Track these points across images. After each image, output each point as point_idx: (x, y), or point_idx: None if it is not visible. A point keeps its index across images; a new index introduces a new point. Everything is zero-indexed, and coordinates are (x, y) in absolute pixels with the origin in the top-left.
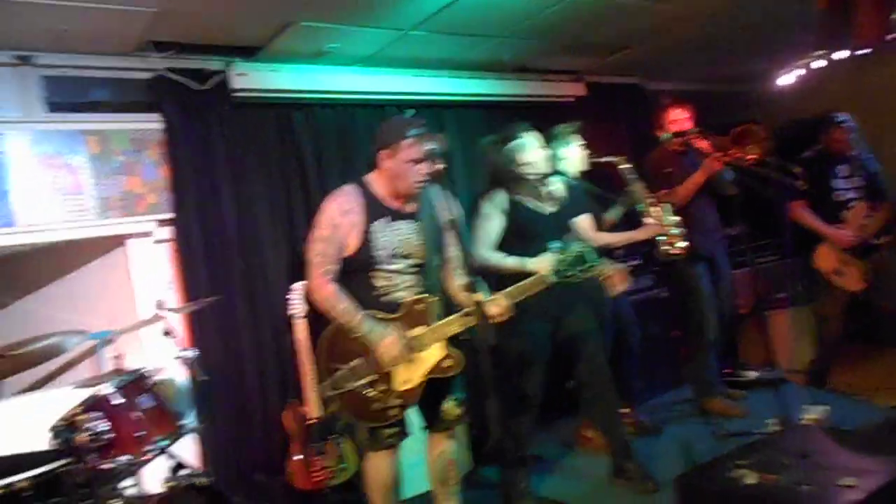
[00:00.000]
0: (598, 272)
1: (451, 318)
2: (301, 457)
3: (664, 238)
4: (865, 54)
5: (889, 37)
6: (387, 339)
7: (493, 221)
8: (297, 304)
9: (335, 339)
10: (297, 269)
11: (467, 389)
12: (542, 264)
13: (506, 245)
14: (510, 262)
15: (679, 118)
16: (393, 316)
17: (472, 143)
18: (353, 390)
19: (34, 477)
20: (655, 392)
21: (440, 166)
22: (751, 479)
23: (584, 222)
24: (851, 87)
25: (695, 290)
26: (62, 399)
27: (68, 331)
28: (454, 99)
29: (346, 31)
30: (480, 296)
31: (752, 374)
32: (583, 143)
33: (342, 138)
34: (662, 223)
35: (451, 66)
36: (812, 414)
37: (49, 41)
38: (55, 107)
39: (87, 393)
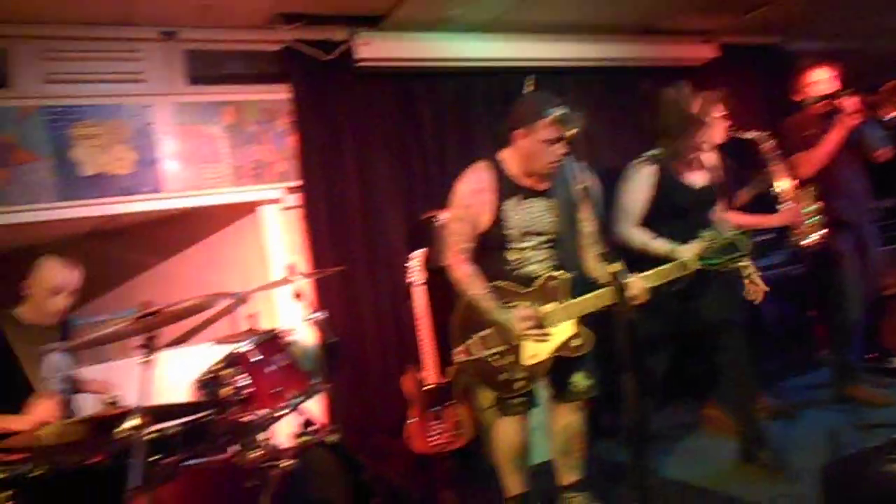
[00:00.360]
0: (745, 267)
1: (584, 297)
2: (419, 421)
3: (800, 227)
4: None
5: None
6: (513, 317)
7: (639, 194)
8: (415, 272)
9: (468, 315)
10: (416, 237)
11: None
12: (693, 252)
13: (652, 219)
14: (658, 245)
15: (821, 79)
16: (525, 290)
17: (592, 109)
18: (482, 358)
19: (183, 424)
20: (788, 375)
21: (570, 132)
22: None
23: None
24: None
25: (837, 267)
26: (203, 354)
27: (218, 293)
28: (576, 64)
29: None
30: (619, 267)
31: None
32: (724, 113)
33: (461, 107)
34: (801, 210)
35: (574, 30)
36: None
37: (192, 16)
38: (195, 80)
39: (225, 349)
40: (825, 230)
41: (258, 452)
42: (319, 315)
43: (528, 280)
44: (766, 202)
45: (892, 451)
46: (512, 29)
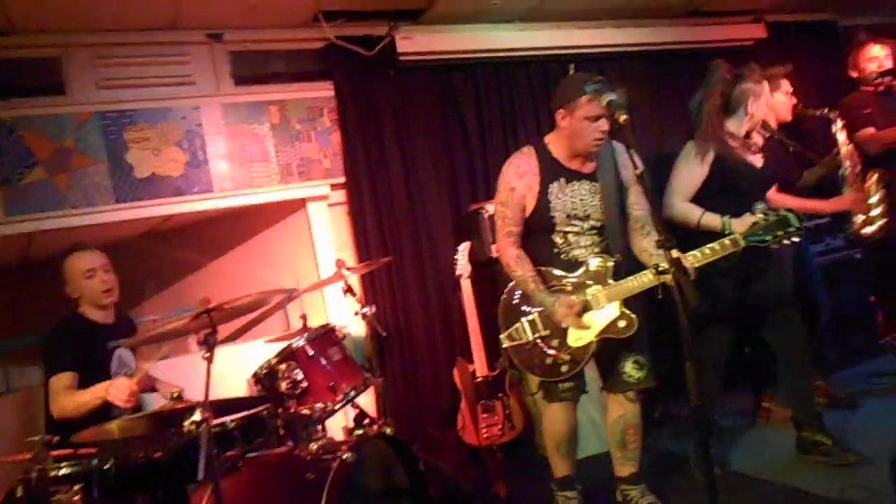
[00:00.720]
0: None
1: (627, 279)
2: (470, 413)
3: (861, 217)
4: None
5: None
6: (558, 306)
7: (695, 170)
8: (462, 265)
9: (512, 301)
10: (462, 230)
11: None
12: (744, 226)
13: (704, 198)
14: (708, 218)
15: (877, 55)
16: (570, 275)
17: (636, 95)
18: (527, 343)
19: (242, 418)
20: (849, 362)
21: (624, 117)
22: None
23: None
24: None
25: None
26: (256, 351)
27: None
28: (617, 50)
29: None
30: (677, 254)
31: None
32: (791, 89)
33: (503, 98)
34: (862, 199)
35: (615, 16)
36: None
37: (237, 17)
38: (241, 80)
39: (278, 346)
40: (885, 220)
41: (317, 444)
42: (369, 309)
43: (574, 264)
44: (834, 186)
45: None
46: (552, 18)
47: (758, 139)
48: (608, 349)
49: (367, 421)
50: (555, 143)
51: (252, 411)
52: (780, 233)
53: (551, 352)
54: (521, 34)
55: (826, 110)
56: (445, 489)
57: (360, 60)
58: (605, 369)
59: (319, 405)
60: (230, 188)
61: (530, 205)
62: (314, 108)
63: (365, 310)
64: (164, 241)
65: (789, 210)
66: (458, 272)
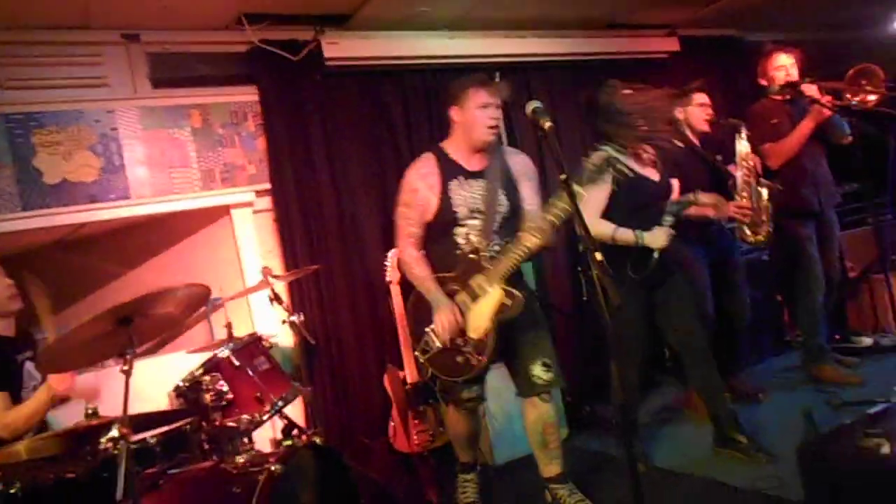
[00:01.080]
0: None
1: (498, 259)
2: (401, 420)
3: (748, 224)
4: None
5: None
6: (439, 313)
7: (599, 187)
8: (392, 271)
9: (418, 305)
10: (392, 236)
11: (563, 355)
12: (658, 238)
13: (613, 214)
14: (620, 233)
15: (784, 64)
16: (451, 275)
17: (559, 104)
18: (440, 350)
19: (164, 433)
20: (759, 358)
21: (549, 124)
22: (886, 448)
23: (673, 185)
24: None
25: (802, 252)
26: (179, 363)
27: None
28: (542, 60)
29: None
30: (600, 257)
31: (867, 341)
32: (706, 101)
33: (431, 104)
34: (749, 208)
35: (539, 26)
36: None
37: (153, 18)
38: (159, 83)
39: (201, 357)
40: (768, 230)
41: (244, 457)
42: (296, 317)
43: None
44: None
45: (866, 427)
46: (479, 26)
47: (651, 151)
48: (517, 355)
49: (295, 431)
50: (451, 146)
51: (174, 426)
52: (613, 163)
53: (458, 349)
54: (450, 42)
55: (735, 120)
56: (377, 498)
57: (286, 65)
58: (516, 374)
59: (246, 417)
60: (149, 195)
61: (434, 204)
62: (238, 112)
63: (293, 318)
64: (79, 250)
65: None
66: (387, 278)
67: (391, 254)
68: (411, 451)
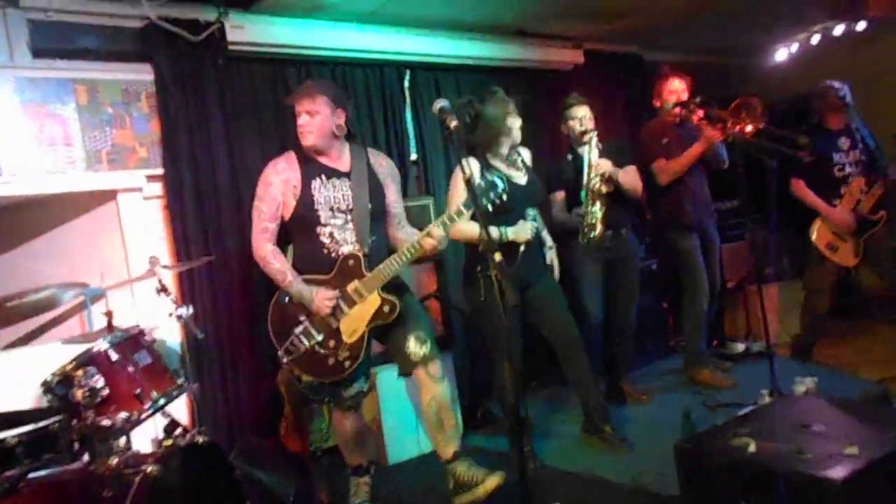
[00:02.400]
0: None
1: (377, 268)
2: (294, 418)
3: (584, 226)
4: (861, 32)
5: None
6: (319, 294)
7: (459, 192)
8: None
9: (282, 305)
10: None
11: (464, 355)
12: (521, 232)
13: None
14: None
15: (677, 89)
16: (325, 278)
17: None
18: (306, 351)
19: (28, 433)
20: (644, 361)
21: (454, 123)
22: (752, 447)
23: (559, 196)
24: (846, 64)
25: (688, 262)
26: (50, 355)
27: (66, 283)
28: (452, 61)
29: None
30: (499, 258)
31: (740, 347)
32: (585, 115)
33: None
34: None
35: (451, 27)
36: (802, 385)
37: None
38: (41, 53)
39: (77, 349)
40: (602, 232)
41: (118, 459)
42: (184, 310)
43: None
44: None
45: (736, 427)
46: (391, 22)
47: (526, 158)
48: (390, 335)
49: (178, 430)
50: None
51: (39, 424)
52: (491, 194)
53: (329, 352)
54: (360, 35)
55: (587, 134)
56: (265, 499)
57: (186, 45)
58: (395, 354)
59: (122, 415)
60: (24, 174)
61: (291, 201)
62: (130, 91)
63: (180, 311)
64: None
65: (496, 173)
66: None
67: (291, 247)
68: (303, 451)
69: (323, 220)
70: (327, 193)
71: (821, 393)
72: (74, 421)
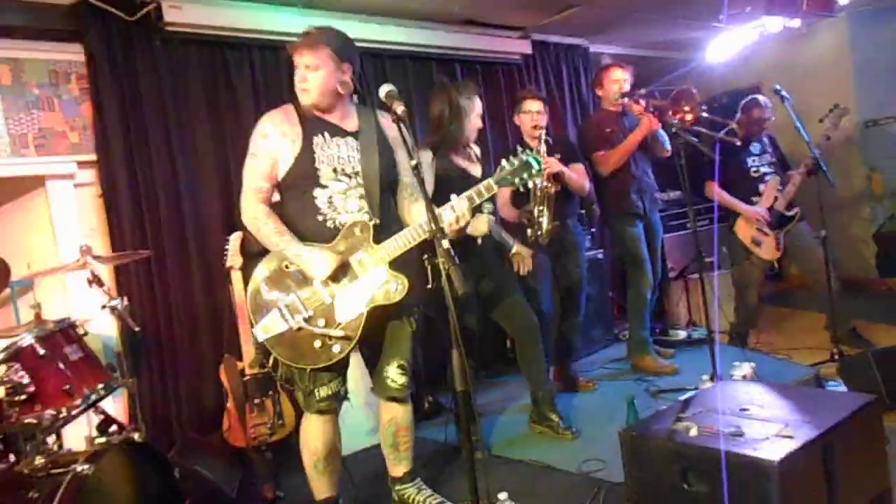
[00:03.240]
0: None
1: (390, 240)
2: (237, 413)
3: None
4: (796, 29)
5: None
6: (313, 260)
7: (427, 178)
8: (234, 255)
9: (266, 279)
10: (234, 218)
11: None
12: (478, 225)
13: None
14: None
15: (619, 78)
16: (324, 245)
17: (415, 94)
18: (289, 330)
19: None
20: (591, 350)
21: (401, 108)
22: (694, 431)
23: (505, 190)
24: (783, 58)
25: (631, 251)
26: None
27: None
28: (400, 49)
29: None
30: (447, 244)
31: (682, 334)
32: (535, 110)
33: (283, 83)
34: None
35: (399, 14)
36: (741, 371)
37: None
38: None
39: (2, 343)
40: (549, 232)
41: (45, 458)
42: (119, 302)
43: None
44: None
45: (678, 412)
46: (335, 7)
47: (476, 150)
48: (375, 352)
49: (113, 428)
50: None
51: None
52: (525, 175)
53: (318, 332)
54: (303, 20)
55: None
56: (206, 496)
57: (120, 25)
58: (373, 369)
59: (50, 412)
60: None
61: (289, 157)
62: (59, 72)
63: (114, 302)
64: None
65: (530, 154)
66: (228, 263)
67: (233, 237)
68: (247, 446)
69: (323, 181)
70: (331, 152)
71: (758, 378)
72: None
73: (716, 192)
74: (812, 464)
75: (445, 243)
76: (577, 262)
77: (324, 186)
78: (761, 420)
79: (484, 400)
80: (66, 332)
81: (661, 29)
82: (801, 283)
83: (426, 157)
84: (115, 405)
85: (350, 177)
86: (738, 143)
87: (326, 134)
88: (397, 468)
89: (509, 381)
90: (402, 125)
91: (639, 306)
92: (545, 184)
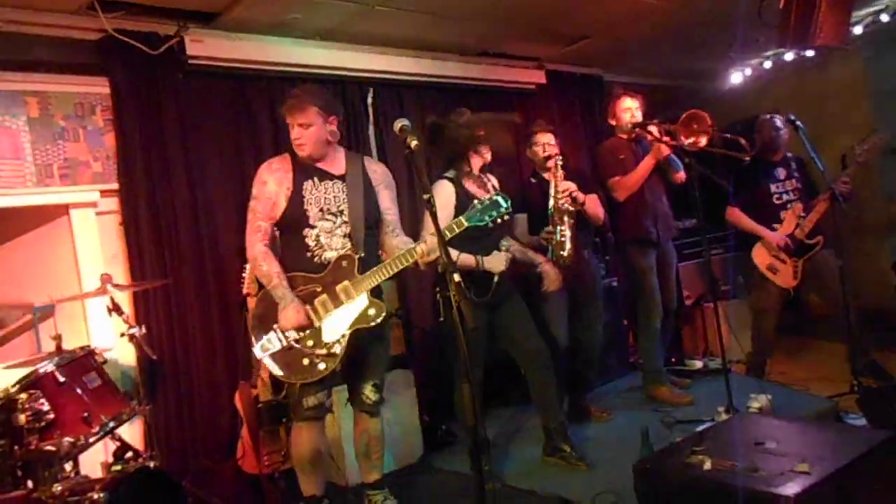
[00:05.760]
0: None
1: (371, 270)
2: (251, 440)
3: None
4: (810, 58)
5: (848, 40)
6: (287, 309)
7: (442, 210)
8: (249, 283)
9: (265, 301)
10: None
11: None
12: (496, 263)
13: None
14: (464, 258)
15: (630, 107)
16: (316, 276)
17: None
18: (283, 348)
19: None
20: (606, 379)
21: (415, 143)
22: (708, 464)
23: (521, 218)
24: (796, 88)
25: (642, 281)
26: None
27: (12, 303)
28: (415, 79)
29: (311, 1)
30: (458, 278)
31: (698, 364)
32: (548, 142)
33: None
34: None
35: (415, 46)
36: (757, 402)
37: None
38: None
39: (22, 372)
40: (571, 252)
41: (62, 485)
42: (137, 330)
43: (325, 267)
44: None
45: (693, 445)
46: (353, 39)
47: (493, 180)
48: (355, 368)
49: (129, 455)
50: None
51: None
52: (494, 212)
53: (307, 351)
54: (321, 52)
55: (551, 159)
56: None
57: (144, 59)
58: (350, 386)
59: (68, 440)
60: None
61: (283, 201)
62: (85, 104)
63: (133, 331)
64: None
65: (498, 193)
66: (244, 291)
67: (249, 265)
68: (261, 473)
69: (311, 221)
70: (318, 194)
71: (775, 410)
72: (16, 446)
73: (735, 216)
74: (828, 500)
75: (457, 277)
76: (595, 294)
77: (312, 226)
78: (777, 455)
79: (498, 429)
80: (86, 359)
81: (674, 59)
82: (820, 313)
83: (446, 188)
84: (132, 430)
85: (336, 215)
86: (747, 159)
87: (316, 178)
88: (370, 475)
89: (525, 410)
90: (413, 159)
91: (649, 337)
92: (566, 205)
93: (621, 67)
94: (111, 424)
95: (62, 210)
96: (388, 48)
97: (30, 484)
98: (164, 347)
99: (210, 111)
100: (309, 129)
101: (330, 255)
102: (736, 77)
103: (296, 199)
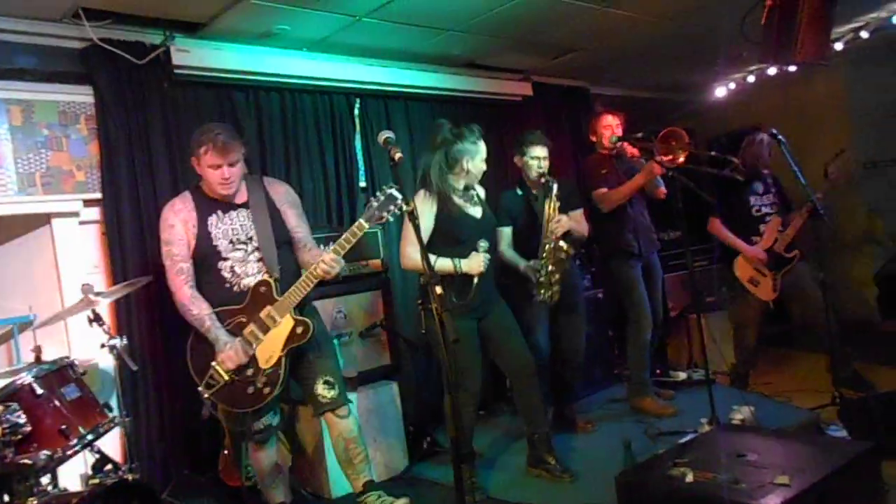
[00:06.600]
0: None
1: (288, 291)
2: (232, 452)
3: (539, 283)
4: (793, 73)
5: (829, 56)
6: (223, 353)
7: (423, 221)
8: None
9: (200, 339)
10: None
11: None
12: (473, 265)
13: (433, 246)
14: (441, 263)
15: (611, 124)
16: (238, 307)
17: (418, 135)
18: (226, 383)
19: None
20: (590, 390)
21: (399, 155)
22: (690, 477)
23: (505, 231)
24: (779, 102)
25: (632, 292)
26: None
27: None
28: (402, 91)
29: (298, 12)
30: (440, 290)
31: (682, 375)
32: (541, 155)
33: (287, 124)
34: (538, 270)
35: (401, 58)
36: (740, 414)
37: None
38: None
39: (1, 383)
40: (558, 293)
41: (38, 499)
42: (118, 341)
43: (246, 293)
44: None
45: (675, 457)
46: (340, 51)
47: (480, 192)
48: (301, 378)
49: (108, 467)
50: (205, 184)
51: None
52: (392, 207)
53: (250, 379)
54: (309, 63)
55: (549, 178)
56: None
57: (129, 67)
58: (306, 396)
59: (45, 453)
60: None
61: (192, 241)
62: (68, 113)
63: (114, 342)
64: None
65: (393, 187)
66: None
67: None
68: (242, 485)
69: (223, 254)
70: (224, 227)
71: (757, 421)
72: None
73: (717, 227)
74: None
75: (439, 289)
76: (578, 305)
77: (225, 259)
78: (758, 467)
79: (484, 439)
80: (65, 371)
81: (659, 73)
82: (802, 325)
83: (419, 195)
84: (112, 441)
85: (246, 243)
86: (741, 179)
87: (220, 212)
88: (357, 481)
89: (510, 421)
90: (396, 170)
91: (638, 347)
92: (561, 244)
93: (607, 80)
94: (89, 437)
95: (44, 219)
96: (375, 59)
97: (6, 498)
98: (146, 357)
99: (196, 121)
100: (236, 167)
101: (248, 281)
102: (720, 91)
103: (203, 235)
